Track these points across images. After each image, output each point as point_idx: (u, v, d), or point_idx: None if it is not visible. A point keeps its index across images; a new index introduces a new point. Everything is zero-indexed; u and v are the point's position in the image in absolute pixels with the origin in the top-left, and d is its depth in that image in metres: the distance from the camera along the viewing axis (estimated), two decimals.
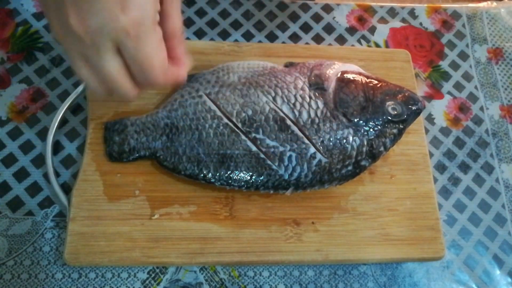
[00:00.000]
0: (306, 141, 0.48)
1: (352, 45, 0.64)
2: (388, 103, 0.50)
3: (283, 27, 0.64)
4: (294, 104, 0.49)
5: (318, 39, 0.64)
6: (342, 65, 0.53)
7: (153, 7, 0.35)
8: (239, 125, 0.48)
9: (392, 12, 0.67)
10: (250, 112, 0.49)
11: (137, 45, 0.34)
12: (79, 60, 0.36)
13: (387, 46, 0.65)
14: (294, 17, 0.65)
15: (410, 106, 0.51)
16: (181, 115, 0.50)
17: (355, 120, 0.49)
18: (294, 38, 0.63)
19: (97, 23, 0.33)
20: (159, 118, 0.50)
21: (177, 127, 0.49)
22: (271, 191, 0.49)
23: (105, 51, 0.34)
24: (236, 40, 0.62)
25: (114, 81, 0.37)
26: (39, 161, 0.52)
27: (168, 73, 0.39)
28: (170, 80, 0.40)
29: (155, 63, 0.36)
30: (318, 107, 0.49)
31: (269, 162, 0.48)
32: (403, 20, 0.67)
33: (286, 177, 0.48)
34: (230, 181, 0.48)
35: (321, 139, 0.48)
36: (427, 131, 0.59)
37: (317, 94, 0.50)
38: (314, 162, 0.48)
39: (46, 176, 0.51)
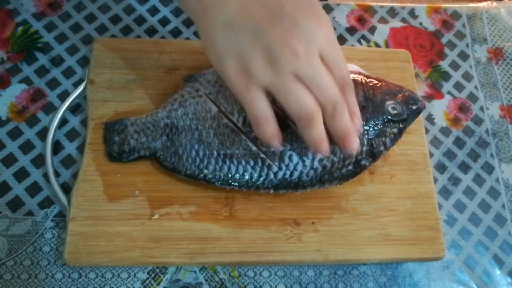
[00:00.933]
0: None
1: (352, 45, 0.64)
2: (388, 102, 0.50)
3: None
4: None
5: None
6: None
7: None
8: (239, 124, 0.48)
9: (392, 12, 0.67)
10: None
11: (333, 48, 0.42)
12: (292, 82, 0.40)
13: (387, 46, 0.65)
14: None
15: (410, 106, 0.51)
16: (181, 115, 0.50)
17: None
18: None
19: (308, 36, 0.40)
20: (159, 118, 0.50)
21: (177, 127, 0.49)
22: (271, 191, 0.49)
23: (316, 58, 0.40)
24: None
25: (326, 83, 0.41)
26: (39, 161, 0.52)
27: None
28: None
29: (346, 68, 0.43)
30: None
31: (269, 161, 0.48)
32: (403, 20, 0.67)
33: (287, 176, 0.48)
34: (230, 181, 0.48)
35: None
36: (427, 131, 0.59)
37: None
38: (315, 161, 0.48)
39: (46, 176, 0.51)
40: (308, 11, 0.41)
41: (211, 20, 0.41)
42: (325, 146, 0.43)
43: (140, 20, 0.61)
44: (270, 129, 0.43)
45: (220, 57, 0.41)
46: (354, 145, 0.44)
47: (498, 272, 0.54)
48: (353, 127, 0.43)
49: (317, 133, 0.42)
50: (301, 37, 0.39)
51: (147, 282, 0.48)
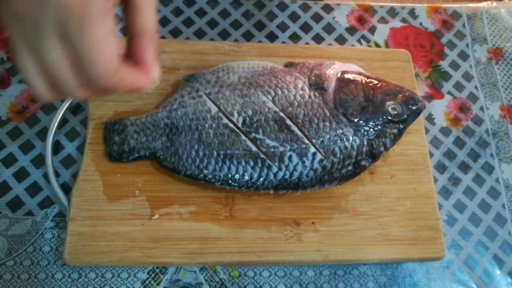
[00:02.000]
0: (306, 141, 0.48)
1: (352, 45, 0.64)
2: (388, 103, 0.50)
3: (283, 27, 0.64)
4: (294, 104, 0.49)
5: (318, 39, 0.64)
6: (342, 65, 0.53)
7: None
8: (239, 125, 0.48)
9: (392, 12, 0.67)
10: (250, 112, 0.49)
11: (80, 30, 0.29)
12: (21, 47, 0.30)
13: (387, 46, 0.65)
14: (294, 17, 0.65)
15: (410, 106, 0.51)
16: (181, 115, 0.50)
17: (355, 120, 0.49)
18: (294, 38, 0.63)
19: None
20: (159, 118, 0.50)
21: (177, 127, 0.49)
22: (271, 191, 0.49)
23: (48, 33, 0.29)
24: (236, 40, 0.62)
25: (57, 72, 0.31)
26: (39, 161, 0.52)
27: (121, 75, 0.32)
28: (125, 85, 0.33)
29: (99, 57, 0.30)
30: (318, 107, 0.49)
31: (269, 162, 0.48)
32: (403, 20, 0.67)
33: (287, 177, 0.48)
34: (230, 181, 0.48)
35: (321, 139, 0.48)
36: (427, 131, 0.59)
37: (317, 94, 0.50)
38: (314, 162, 0.48)
39: (46, 176, 0.51)
40: None
41: None
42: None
43: None
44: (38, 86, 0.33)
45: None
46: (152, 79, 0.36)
47: (498, 272, 0.53)
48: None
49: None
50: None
51: (147, 282, 0.48)
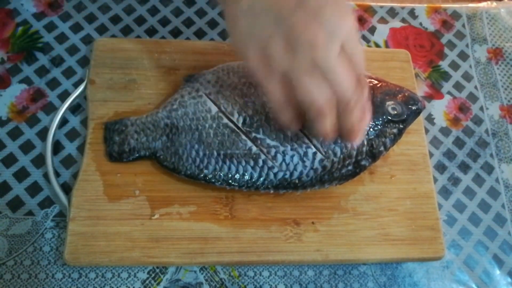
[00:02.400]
0: (306, 140, 0.48)
1: None
2: (388, 103, 0.50)
3: None
4: None
5: None
6: None
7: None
8: (240, 124, 0.48)
9: (392, 12, 0.67)
10: (250, 112, 0.49)
11: (354, 40, 0.41)
12: (306, 73, 0.39)
13: (387, 46, 0.65)
14: None
15: (410, 106, 0.51)
16: (181, 115, 0.50)
17: None
18: None
19: (329, 28, 0.39)
20: (159, 118, 0.50)
21: (177, 127, 0.49)
22: (272, 191, 0.49)
23: (335, 51, 0.39)
24: None
25: (341, 78, 0.40)
26: (39, 161, 0.52)
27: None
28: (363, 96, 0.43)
29: (363, 66, 0.42)
30: None
31: (269, 162, 0.48)
32: (403, 20, 0.67)
33: (287, 176, 0.48)
34: (230, 181, 0.48)
35: (321, 138, 0.48)
36: (427, 131, 0.59)
37: None
38: (315, 161, 0.48)
39: (46, 176, 0.51)
40: (333, 1, 0.40)
41: (235, 3, 0.41)
42: (330, 138, 0.44)
43: (140, 20, 0.61)
44: (285, 116, 0.43)
45: (242, 41, 0.41)
46: (358, 141, 0.45)
47: (498, 272, 0.54)
48: (361, 124, 0.43)
49: (325, 126, 0.42)
50: (323, 25, 0.38)
51: (147, 282, 0.49)
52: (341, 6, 0.40)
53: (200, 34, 0.62)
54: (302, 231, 0.49)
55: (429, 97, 0.62)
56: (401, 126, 0.51)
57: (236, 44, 0.43)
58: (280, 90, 0.41)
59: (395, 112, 0.50)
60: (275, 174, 0.48)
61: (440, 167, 0.58)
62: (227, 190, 0.49)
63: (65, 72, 0.57)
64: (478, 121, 0.62)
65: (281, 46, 0.39)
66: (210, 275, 0.49)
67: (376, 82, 0.52)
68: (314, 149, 0.48)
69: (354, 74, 0.41)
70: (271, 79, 0.41)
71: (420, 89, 0.62)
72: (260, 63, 0.41)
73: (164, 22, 0.62)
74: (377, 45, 0.65)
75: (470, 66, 0.65)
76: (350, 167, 0.49)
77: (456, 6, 0.69)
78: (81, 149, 0.52)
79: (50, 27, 0.59)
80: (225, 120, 0.49)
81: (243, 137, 0.48)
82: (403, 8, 0.68)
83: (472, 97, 0.63)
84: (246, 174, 0.48)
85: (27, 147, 0.53)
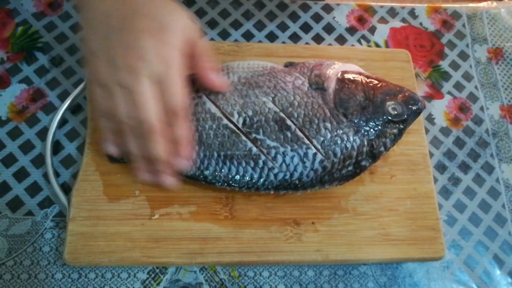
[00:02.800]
0: (307, 141, 0.48)
1: (352, 45, 0.64)
2: (388, 103, 0.50)
3: (283, 27, 0.64)
4: (294, 104, 0.49)
5: (318, 39, 0.64)
6: (342, 65, 0.53)
7: (181, 49, 0.43)
8: (239, 125, 0.48)
9: (392, 12, 0.67)
10: (250, 113, 0.49)
11: (170, 75, 0.42)
12: (117, 88, 0.41)
13: (387, 46, 0.65)
14: (294, 17, 0.65)
15: (410, 106, 0.51)
16: None
17: (355, 120, 0.49)
18: (294, 38, 0.63)
19: (142, 54, 0.40)
20: None
21: None
22: (272, 192, 0.49)
23: (145, 79, 0.41)
24: (236, 40, 0.62)
25: (142, 101, 0.41)
26: (39, 161, 0.52)
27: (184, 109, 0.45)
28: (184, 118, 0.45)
29: (179, 92, 0.43)
30: (318, 107, 0.49)
31: (269, 162, 0.48)
32: (403, 20, 0.67)
33: (287, 177, 0.48)
34: (230, 182, 0.48)
35: (322, 139, 0.48)
36: (427, 131, 0.59)
37: (317, 94, 0.49)
38: (315, 162, 0.48)
39: (46, 176, 0.51)
40: (153, 23, 0.41)
41: (85, 11, 0.44)
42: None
43: None
44: (103, 124, 0.45)
45: (83, 47, 0.44)
46: (166, 181, 0.46)
47: (498, 272, 0.54)
48: (166, 161, 0.44)
49: (128, 147, 0.44)
50: (138, 53, 0.40)
51: (147, 282, 0.48)
52: (161, 28, 0.42)
53: None
54: (302, 231, 0.49)
55: (429, 97, 0.62)
56: (401, 126, 0.51)
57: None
58: (102, 99, 0.43)
59: (396, 112, 0.50)
60: (276, 175, 0.48)
61: (440, 167, 0.58)
62: (227, 190, 0.49)
63: (65, 72, 0.57)
64: (478, 121, 0.62)
65: (103, 58, 0.41)
66: (210, 275, 0.49)
67: (376, 82, 0.51)
68: (314, 150, 0.48)
69: (166, 105, 0.42)
70: (97, 87, 0.43)
71: (420, 89, 0.62)
72: (89, 69, 0.43)
73: None
74: (377, 45, 0.65)
75: (471, 66, 0.65)
76: (350, 168, 0.49)
77: (456, 6, 0.69)
78: (81, 149, 0.52)
79: (50, 27, 0.59)
80: (225, 121, 0.49)
81: (243, 138, 0.48)
82: (403, 8, 0.68)
83: (473, 97, 0.63)
84: (246, 175, 0.48)
85: (27, 147, 0.52)
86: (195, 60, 0.46)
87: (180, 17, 0.43)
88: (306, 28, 0.64)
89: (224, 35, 0.62)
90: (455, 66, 0.65)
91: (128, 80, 0.40)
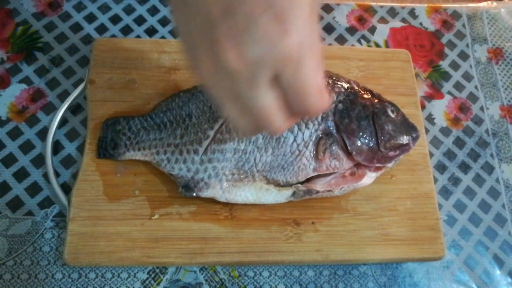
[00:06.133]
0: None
1: (352, 45, 0.64)
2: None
3: None
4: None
5: None
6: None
7: (314, 27, 0.32)
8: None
9: (392, 12, 0.67)
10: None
11: (296, 70, 0.32)
12: (228, 100, 0.34)
13: (387, 46, 0.65)
14: None
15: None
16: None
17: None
18: None
19: (258, 52, 0.30)
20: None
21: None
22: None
23: (262, 84, 0.32)
24: None
25: (267, 116, 0.34)
26: (39, 161, 0.52)
27: (323, 98, 0.35)
28: (324, 106, 0.35)
29: (312, 88, 0.33)
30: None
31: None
32: (403, 20, 0.67)
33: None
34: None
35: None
36: (427, 131, 0.59)
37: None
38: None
39: (46, 176, 0.51)
40: (272, 8, 0.30)
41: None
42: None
43: (140, 20, 0.61)
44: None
45: (180, 38, 0.36)
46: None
47: (498, 272, 0.53)
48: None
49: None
50: (249, 48, 0.30)
51: (147, 282, 0.48)
52: (283, 16, 0.30)
53: None
54: (302, 231, 0.49)
55: (429, 97, 0.62)
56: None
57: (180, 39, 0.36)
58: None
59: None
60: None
61: (440, 167, 0.58)
62: None
63: (65, 72, 0.57)
64: (478, 121, 0.62)
65: (205, 60, 0.33)
66: (210, 275, 0.49)
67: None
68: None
69: (295, 107, 0.34)
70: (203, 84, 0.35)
71: (420, 89, 0.62)
72: (193, 68, 0.35)
73: (164, 22, 0.62)
74: (377, 45, 0.65)
75: (470, 66, 0.65)
76: None
77: (456, 6, 0.69)
78: (81, 149, 0.52)
79: (50, 27, 0.59)
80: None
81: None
82: (403, 8, 0.68)
83: (472, 97, 0.63)
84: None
85: (26, 147, 0.52)
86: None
87: None
88: None
89: None
90: (455, 66, 0.65)
91: (239, 88, 0.33)
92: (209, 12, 0.30)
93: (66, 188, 0.51)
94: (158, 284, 0.48)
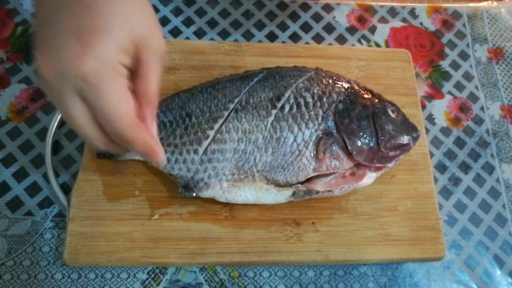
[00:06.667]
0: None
1: (353, 45, 0.64)
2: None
3: (283, 26, 0.64)
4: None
5: (318, 38, 0.64)
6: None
7: (114, 58, 0.35)
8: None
9: (393, 11, 0.67)
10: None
11: (97, 94, 0.34)
12: (56, 103, 0.37)
13: (387, 45, 0.65)
14: (294, 16, 0.65)
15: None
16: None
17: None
18: (294, 37, 0.63)
19: (61, 67, 0.33)
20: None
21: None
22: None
23: (68, 96, 0.34)
24: (236, 40, 0.62)
25: (79, 127, 0.36)
26: (38, 161, 0.52)
27: (137, 129, 0.37)
28: (139, 136, 0.38)
29: (117, 113, 0.35)
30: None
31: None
32: (404, 19, 0.67)
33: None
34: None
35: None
36: (427, 131, 0.59)
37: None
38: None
39: (45, 176, 0.51)
40: (79, 31, 0.33)
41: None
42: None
43: None
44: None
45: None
46: (160, 157, 0.40)
47: (498, 272, 0.53)
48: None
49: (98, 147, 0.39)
50: (55, 58, 0.34)
51: (147, 282, 0.48)
52: (84, 41, 0.33)
53: (200, 34, 0.62)
54: (302, 231, 0.49)
55: (430, 97, 0.62)
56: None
57: None
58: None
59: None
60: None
61: (441, 167, 0.58)
62: None
63: None
64: (478, 121, 0.61)
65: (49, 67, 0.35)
66: (210, 276, 0.49)
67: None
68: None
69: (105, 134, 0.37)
70: None
71: (421, 89, 0.62)
72: None
73: (164, 21, 0.62)
74: (377, 45, 0.65)
75: (471, 66, 0.65)
76: None
77: (456, 5, 0.69)
78: (80, 149, 0.52)
79: None
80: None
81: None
82: (403, 7, 0.68)
83: (473, 97, 0.63)
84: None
85: (26, 147, 0.52)
86: (139, 71, 0.37)
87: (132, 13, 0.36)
88: (306, 27, 0.64)
89: (224, 35, 0.62)
90: (455, 66, 0.65)
91: (55, 97, 0.35)
92: (35, 19, 0.35)
93: (66, 188, 0.51)
94: (158, 284, 0.48)
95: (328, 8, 0.66)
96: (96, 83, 0.34)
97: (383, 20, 0.66)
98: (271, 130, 0.47)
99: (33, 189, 0.51)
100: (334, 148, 0.47)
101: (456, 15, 0.68)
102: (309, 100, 0.48)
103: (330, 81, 0.50)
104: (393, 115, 0.50)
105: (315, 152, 0.47)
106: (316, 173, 0.48)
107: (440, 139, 0.60)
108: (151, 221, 0.48)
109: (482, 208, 0.56)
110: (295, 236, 0.49)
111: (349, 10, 0.66)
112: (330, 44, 0.64)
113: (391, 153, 0.48)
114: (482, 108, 0.62)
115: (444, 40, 0.66)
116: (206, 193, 0.47)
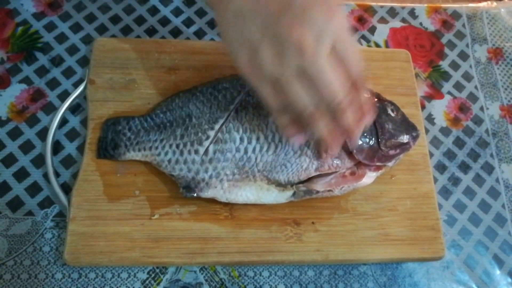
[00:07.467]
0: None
1: None
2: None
3: None
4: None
5: None
6: None
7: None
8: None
9: (392, 12, 0.67)
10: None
11: (346, 41, 0.40)
12: (294, 78, 0.39)
13: (387, 46, 0.65)
14: None
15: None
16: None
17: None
18: None
19: (318, 28, 0.38)
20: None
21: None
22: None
23: (324, 54, 0.38)
24: None
25: (331, 85, 0.39)
26: (39, 161, 0.52)
27: (349, 96, 0.41)
28: (353, 109, 0.42)
29: (329, 78, 0.39)
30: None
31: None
32: (403, 20, 0.67)
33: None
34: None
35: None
36: (427, 131, 0.59)
37: None
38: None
39: (46, 176, 0.51)
40: (321, 1, 0.38)
41: (225, 9, 0.41)
42: (333, 146, 0.44)
43: (140, 20, 0.61)
44: (282, 121, 0.44)
45: (232, 46, 0.41)
46: (355, 142, 0.46)
47: (498, 272, 0.53)
48: (357, 125, 0.42)
49: (320, 131, 0.42)
50: (310, 27, 0.37)
51: (147, 282, 0.48)
52: (329, 6, 0.39)
53: (200, 34, 0.62)
54: (302, 231, 0.49)
55: (429, 97, 0.62)
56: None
57: (228, 49, 0.42)
58: (274, 95, 0.41)
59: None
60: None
61: (440, 167, 0.58)
62: None
63: (65, 72, 0.57)
64: (478, 121, 0.62)
65: (269, 51, 0.39)
66: (210, 275, 0.49)
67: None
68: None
69: (346, 75, 0.40)
70: (264, 85, 0.41)
71: (420, 89, 0.62)
72: (251, 69, 0.40)
73: (164, 22, 0.62)
74: (377, 45, 0.65)
75: (470, 66, 0.65)
76: None
77: (456, 6, 0.69)
78: (81, 149, 0.52)
79: (50, 27, 0.59)
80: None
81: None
82: (403, 8, 0.68)
83: (472, 97, 0.63)
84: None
85: (27, 147, 0.52)
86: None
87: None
88: None
89: None
90: (455, 66, 0.65)
91: (306, 61, 0.38)
92: (267, 13, 0.38)
93: (66, 188, 0.51)
94: (158, 284, 0.48)
95: None
96: (345, 33, 0.40)
97: (382, 20, 0.67)
98: (272, 130, 0.47)
99: (34, 189, 0.51)
100: None
101: (456, 15, 0.68)
102: None
103: None
104: (392, 114, 0.50)
105: (316, 151, 0.47)
106: (318, 172, 0.48)
107: (440, 139, 0.60)
108: (151, 221, 0.48)
109: (482, 208, 0.56)
110: (295, 236, 0.49)
111: (349, 10, 0.66)
112: None
113: (391, 152, 0.49)
114: (481, 108, 0.62)
115: (444, 40, 0.66)
116: (207, 193, 0.47)
